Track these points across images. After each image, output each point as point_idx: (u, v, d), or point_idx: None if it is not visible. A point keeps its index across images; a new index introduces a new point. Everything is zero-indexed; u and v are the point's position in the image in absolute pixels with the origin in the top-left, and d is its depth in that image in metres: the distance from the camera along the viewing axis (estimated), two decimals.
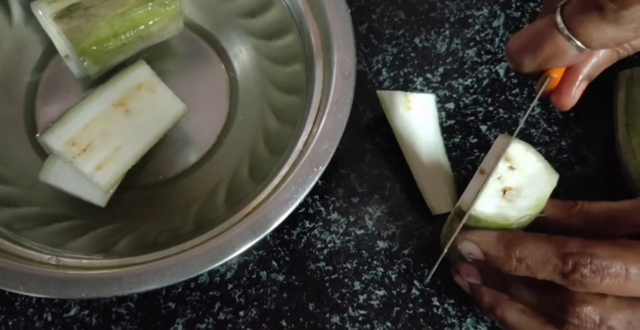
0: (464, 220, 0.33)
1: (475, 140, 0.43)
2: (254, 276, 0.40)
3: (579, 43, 0.29)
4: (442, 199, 0.40)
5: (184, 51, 0.44)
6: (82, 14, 0.37)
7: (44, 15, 0.37)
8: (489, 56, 0.45)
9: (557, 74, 0.32)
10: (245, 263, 0.40)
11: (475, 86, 0.44)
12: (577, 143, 0.43)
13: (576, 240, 0.30)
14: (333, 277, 0.40)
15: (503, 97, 0.44)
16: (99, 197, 0.39)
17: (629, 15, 0.27)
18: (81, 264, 0.33)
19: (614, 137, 0.41)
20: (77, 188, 0.38)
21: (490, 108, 0.44)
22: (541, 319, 0.32)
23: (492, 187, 0.32)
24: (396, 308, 0.39)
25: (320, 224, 0.41)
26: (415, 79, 0.44)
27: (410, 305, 0.39)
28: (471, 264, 0.36)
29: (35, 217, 0.38)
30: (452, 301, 0.39)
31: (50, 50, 0.42)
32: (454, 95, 0.44)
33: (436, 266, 0.35)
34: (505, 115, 0.43)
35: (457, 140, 0.43)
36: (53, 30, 0.38)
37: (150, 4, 0.38)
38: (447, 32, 0.46)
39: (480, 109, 0.44)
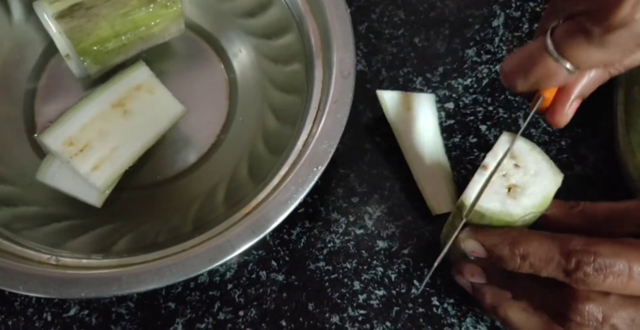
0: (465, 214, 0.33)
1: (474, 140, 0.43)
2: (254, 276, 0.40)
3: (568, 65, 0.30)
4: (442, 199, 0.41)
5: (184, 51, 0.44)
6: (84, 13, 0.37)
7: (46, 15, 0.37)
8: (489, 56, 0.45)
9: (549, 94, 0.34)
10: (244, 263, 0.40)
11: (475, 86, 0.44)
12: (577, 143, 0.43)
13: (580, 238, 0.30)
14: (333, 276, 0.40)
15: (503, 96, 0.44)
16: (95, 198, 0.39)
17: (614, 39, 0.28)
18: (81, 263, 0.33)
19: (614, 137, 0.41)
20: (73, 188, 0.38)
21: (490, 108, 0.44)
22: (544, 318, 0.32)
23: (498, 184, 0.32)
24: (396, 308, 0.39)
25: (320, 223, 0.41)
26: (414, 79, 0.44)
27: (410, 305, 0.39)
28: (474, 262, 0.36)
29: (33, 216, 0.38)
30: (451, 301, 0.39)
31: (50, 50, 0.42)
32: (454, 95, 0.44)
33: (431, 272, 0.35)
34: (505, 115, 0.43)
35: (456, 140, 0.43)
36: (54, 30, 0.38)
37: (151, 5, 0.38)
38: (447, 31, 0.46)
39: (480, 108, 0.44)
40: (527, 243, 0.31)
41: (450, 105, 0.44)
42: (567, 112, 0.34)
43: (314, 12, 0.38)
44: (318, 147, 0.34)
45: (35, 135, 0.41)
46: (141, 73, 0.40)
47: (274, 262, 0.40)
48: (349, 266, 0.40)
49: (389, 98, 0.41)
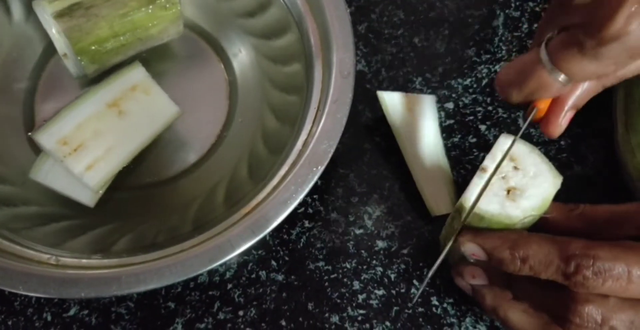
0: (464, 216, 0.33)
1: (474, 139, 0.43)
2: (253, 276, 0.40)
3: (562, 76, 0.31)
4: (441, 200, 0.40)
5: (183, 51, 0.44)
6: (83, 13, 0.37)
7: (45, 14, 0.37)
8: (488, 56, 0.45)
9: (543, 105, 0.34)
10: (244, 263, 0.40)
11: (475, 86, 0.44)
12: (577, 143, 0.43)
13: (579, 242, 0.30)
14: (332, 276, 0.40)
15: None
16: (88, 197, 0.39)
17: (607, 51, 0.28)
18: (80, 263, 0.33)
19: (613, 137, 0.41)
20: (66, 187, 0.38)
21: (490, 108, 0.44)
22: (544, 319, 0.32)
23: (497, 186, 0.32)
24: (395, 307, 0.39)
25: (320, 223, 0.41)
26: (414, 79, 0.44)
27: (410, 304, 0.39)
28: (473, 264, 0.36)
29: (33, 216, 0.38)
30: (451, 300, 0.39)
31: (50, 50, 0.42)
32: (453, 95, 0.44)
33: (430, 275, 0.35)
34: (505, 115, 0.43)
35: (456, 139, 0.43)
36: (53, 29, 0.38)
37: (151, 6, 0.38)
38: (447, 31, 0.46)
39: (480, 108, 0.44)
40: (526, 246, 0.31)
41: (449, 105, 0.44)
42: (561, 122, 0.35)
43: (314, 12, 0.38)
44: (318, 147, 0.34)
45: (29, 133, 0.41)
46: (137, 73, 0.40)
47: (273, 262, 0.40)
48: (348, 266, 0.40)
49: (389, 99, 0.41)
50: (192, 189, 0.41)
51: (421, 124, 0.42)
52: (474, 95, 0.44)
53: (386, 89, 0.44)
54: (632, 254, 0.29)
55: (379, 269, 0.40)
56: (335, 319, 0.39)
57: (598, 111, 0.43)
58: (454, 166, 0.42)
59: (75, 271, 0.33)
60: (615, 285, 0.29)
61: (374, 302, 0.39)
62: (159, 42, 0.41)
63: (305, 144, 0.35)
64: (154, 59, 0.42)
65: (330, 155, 0.34)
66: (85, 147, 0.38)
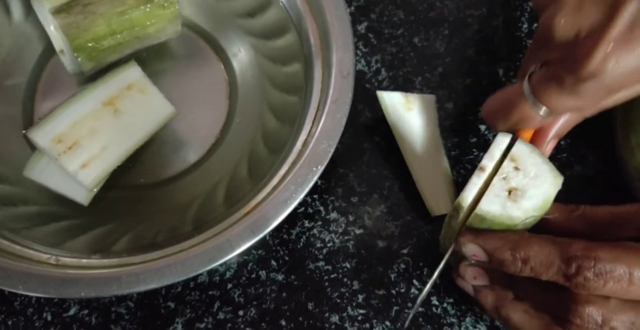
0: (462, 215, 0.33)
1: (474, 139, 0.43)
2: (253, 276, 0.40)
3: (543, 109, 0.33)
4: (441, 201, 0.40)
5: (183, 51, 0.44)
6: (81, 10, 0.37)
7: (43, 9, 0.37)
8: (488, 56, 0.45)
9: (527, 134, 0.36)
10: (244, 262, 0.40)
11: (475, 86, 0.44)
12: (577, 142, 0.43)
13: (580, 243, 0.30)
14: (332, 276, 0.40)
15: None
16: (83, 196, 0.39)
17: (585, 88, 0.30)
18: (80, 263, 0.33)
19: (613, 137, 0.41)
20: (61, 185, 0.38)
21: None
22: (545, 319, 0.32)
23: (498, 187, 0.32)
24: (395, 307, 0.39)
25: (320, 223, 0.41)
26: (414, 79, 0.44)
27: (410, 304, 0.39)
28: (475, 265, 0.35)
29: (32, 216, 0.38)
30: (451, 300, 0.39)
31: (50, 49, 0.42)
32: (453, 95, 0.44)
33: (432, 282, 0.35)
34: None
35: (456, 139, 0.43)
36: (50, 25, 0.38)
37: (149, 5, 0.38)
38: (446, 31, 0.46)
39: (480, 108, 0.44)
40: (527, 247, 0.31)
41: (449, 105, 0.44)
42: (545, 151, 0.37)
43: (314, 12, 0.38)
44: (317, 146, 0.34)
45: (24, 131, 0.41)
46: (133, 72, 0.40)
47: (273, 262, 0.40)
48: (348, 266, 0.40)
49: (389, 99, 0.41)
50: (192, 188, 0.41)
51: (421, 124, 0.42)
52: (473, 95, 0.44)
53: (386, 88, 0.44)
54: (633, 256, 0.29)
55: (379, 268, 0.40)
56: (335, 318, 0.39)
57: None
58: (453, 166, 0.42)
59: (75, 271, 0.33)
60: (616, 287, 0.29)
61: (374, 302, 0.39)
62: (156, 41, 0.41)
63: (305, 143, 0.35)
64: (154, 59, 0.42)
65: (330, 155, 0.34)
66: (80, 146, 0.38)
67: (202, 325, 0.39)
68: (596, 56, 0.29)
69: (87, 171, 0.38)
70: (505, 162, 0.33)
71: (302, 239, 0.41)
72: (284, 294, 0.39)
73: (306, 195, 0.33)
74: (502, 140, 0.33)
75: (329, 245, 0.40)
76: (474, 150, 0.43)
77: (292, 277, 0.40)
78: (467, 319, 0.39)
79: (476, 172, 0.33)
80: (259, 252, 0.40)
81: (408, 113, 0.41)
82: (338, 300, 0.39)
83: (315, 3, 0.38)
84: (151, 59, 0.42)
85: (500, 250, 0.32)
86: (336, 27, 0.37)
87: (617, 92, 0.31)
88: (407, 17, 0.46)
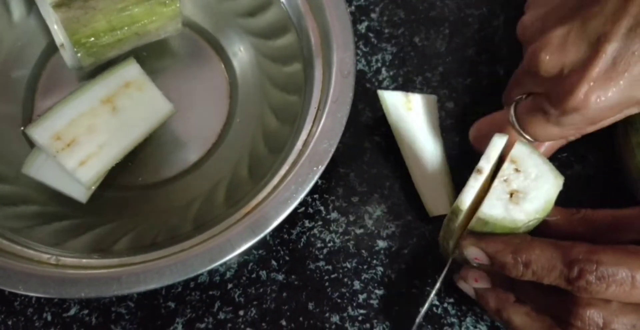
0: (460, 218, 0.33)
1: None
2: (254, 275, 0.40)
3: (528, 136, 0.35)
4: (439, 202, 0.40)
5: (183, 50, 0.44)
6: (81, 5, 0.37)
7: (44, 3, 0.37)
8: (489, 55, 0.45)
9: None
10: (244, 262, 0.40)
11: (475, 85, 0.44)
12: (577, 142, 0.43)
13: (582, 246, 0.30)
14: (333, 276, 0.40)
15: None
16: (81, 193, 0.39)
17: (568, 120, 0.32)
18: (80, 263, 0.33)
19: (613, 137, 0.41)
20: (59, 182, 0.38)
21: (489, 107, 0.44)
22: (546, 322, 0.32)
23: (499, 189, 0.32)
24: (396, 307, 0.39)
25: (320, 223, 0.41)
26: (414, 78, 0.44)
27: (409, 304, 0.39)
28: (477, 268, 0.35)
29: (33, 216, 0.38)
30: (451, 300, 0.39)
31: (51, 48, 0.42)
32: (454, 95, 0.44)
33: (436, 288, 0.35)
34: None
35: (456, 139, 0.43)
36: (51, 18, 0.38)
37: (150, 2, 0.38)
38: (447, 31, 0.46)
39: (480, 108, 0.44)
40: (529, 250, 0.31)
41: (450, 104, 0.44)
42: None
43: (314, 11, 0.38)
44: (318, 146, 0.34)
45: (22, 128, 0.41)
46: (131, 70, 0.40)
47: (274, 262, 0.40)
48: (349, 266, 0.40)
49: (389, 98, 0.41)
50: (193, 188, 0.41)
51: (421, 124, 0.41)
52: (474, 95, 0.44)
53: (386, 88, 0.44)
54: (635, 259, 0.29)
55: (380, 268, 0.40)
56: (335, 318, 0.39)
57: None
58: (453, 166, 0.42)
59: (75, 271, 0.33)
60: (618, 290, 0.29)
61: (374, 302, 0.39)
62: (156, 38, 0.41)
63: (306, 143, 0.35)
64: (154, 58, 0.42)
65: (330, 155, 0.34)
66: (78, 143, 0.38)
67: (203, 325, 0.39)
68: (578, 93, 0.30)
69: (85, 168, 0.38)
70: (506, 164, 0.32)
71: (302, 239, 0.41)
72: (285, 294, 0.39)
73: (307, 195, 0.33)
74: (498, 142, 0.33)
75: (329, 245, 0.40)
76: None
77: (293, 277, 0.40)
78: (468, 319, 0.39)
79: (473, 174, 0.33)
80: (260, 252, 0.40)
81: (408, 112, 0.41)
82: (338, 300, 0.39)
83: (316, 2, 0.38)
84: (151, 58, 0.42)
85: (501, 253, 0.32)
86: (337, 27, 0.37)
87: (600, 122, 0.33)
88: (408, 17, 0.46)
